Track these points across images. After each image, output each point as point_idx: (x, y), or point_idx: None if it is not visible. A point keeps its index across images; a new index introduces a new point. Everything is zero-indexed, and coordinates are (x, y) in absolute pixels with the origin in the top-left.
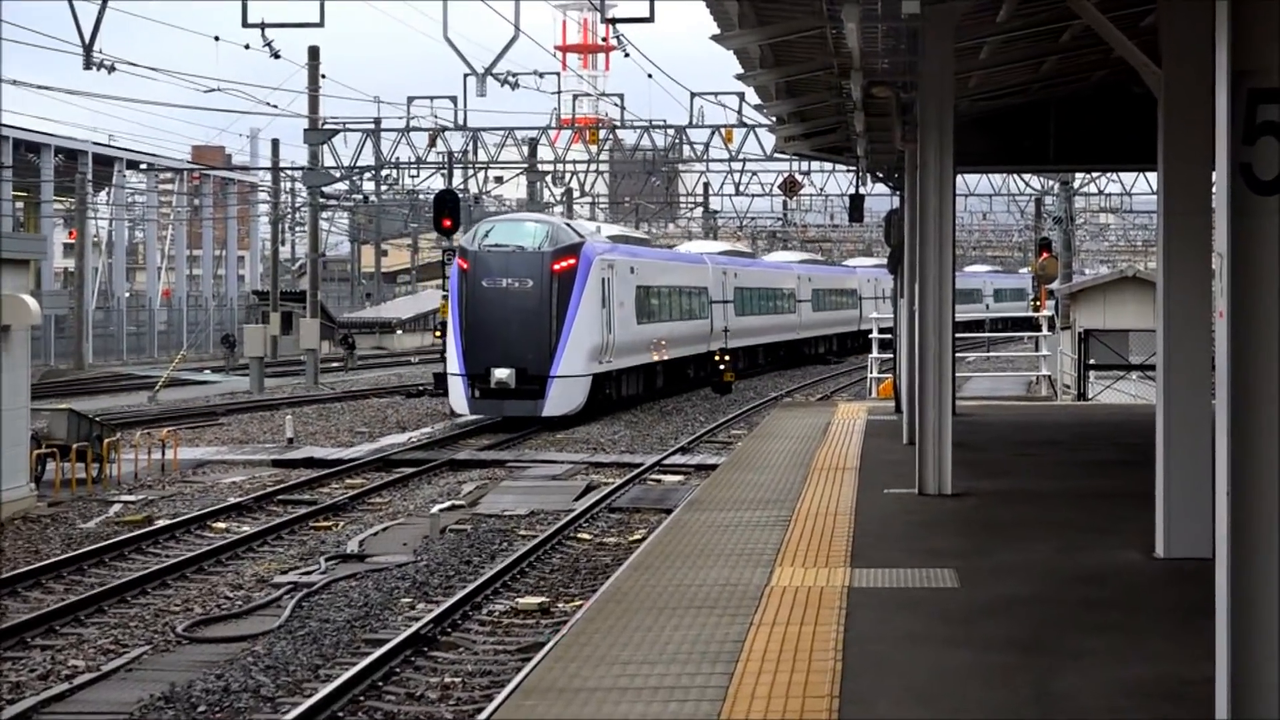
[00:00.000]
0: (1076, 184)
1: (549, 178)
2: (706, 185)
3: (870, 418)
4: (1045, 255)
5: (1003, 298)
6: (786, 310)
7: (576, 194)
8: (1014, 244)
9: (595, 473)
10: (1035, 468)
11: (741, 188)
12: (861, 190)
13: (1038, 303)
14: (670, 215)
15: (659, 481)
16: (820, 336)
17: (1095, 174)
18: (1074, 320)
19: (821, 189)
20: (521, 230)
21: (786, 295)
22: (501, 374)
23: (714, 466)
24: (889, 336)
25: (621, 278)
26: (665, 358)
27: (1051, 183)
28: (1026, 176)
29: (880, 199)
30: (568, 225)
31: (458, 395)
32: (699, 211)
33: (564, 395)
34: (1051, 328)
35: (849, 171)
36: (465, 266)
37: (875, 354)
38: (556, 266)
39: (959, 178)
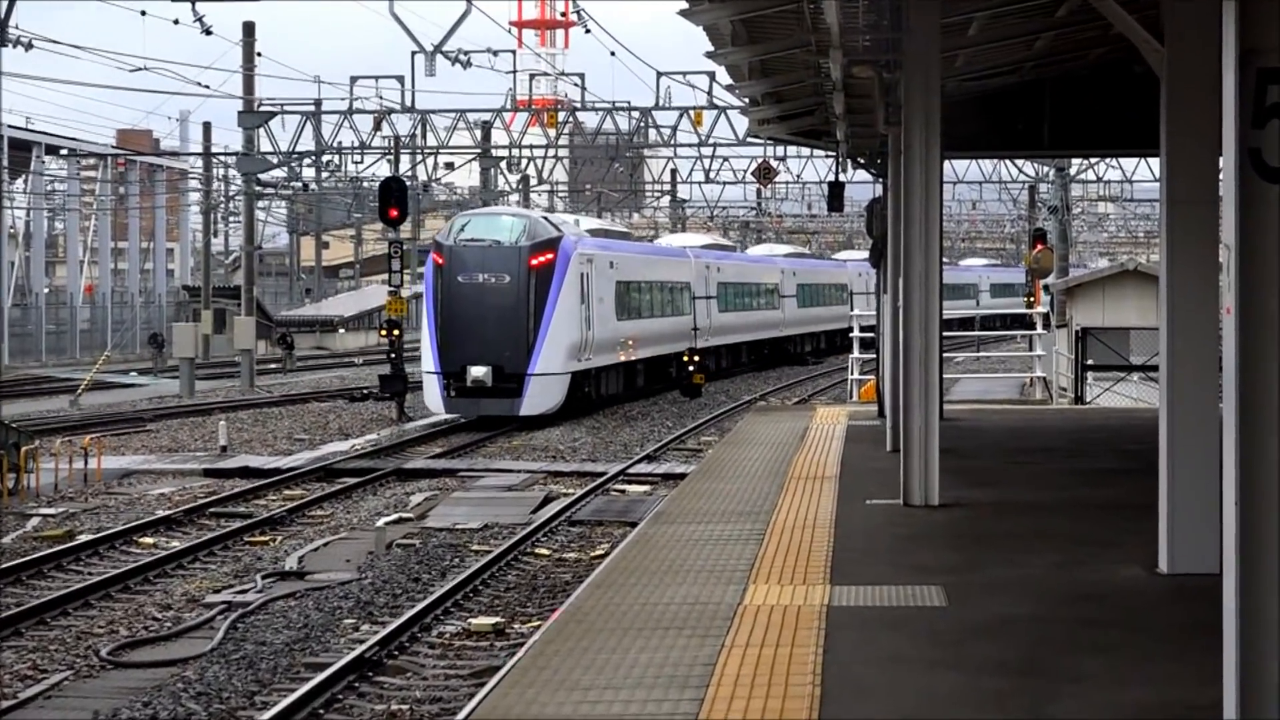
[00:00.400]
0: (1073, 170)
1: (504, 164)
2: (674, 172)
3: (851, 423)
4: (1039, 247)
5: (1001, 293)
6: (769, 306)
7: (534, 181)
8: (1006, 235)
9: (554, 483)
10: (1029, 476)
11: (712, 175)
12: (841, 178)
13: (1031, 298)
14: (635, 204)
15: (623, 492)
16: (807, 334)
17: (1093, 160)
18: (1070, 317)
19: (798, 176)
20: (498, 224)
21: (769, 290)
22: (478, 372)
23: (682, 476)
24: (872, 335)
25: (601, 273)
26: (646, 355)
27: (1046, 169)
28: (1019, 162)
29: (862, 187)
30: (545, 219)
31: (433, 394)
32: (666, 200)
33: (542, 394)
34: (1046, 325)
35: (828, 157)
36: (440, 261)
37: (856, 354)
38: (534, 261)
39: (947, 164)
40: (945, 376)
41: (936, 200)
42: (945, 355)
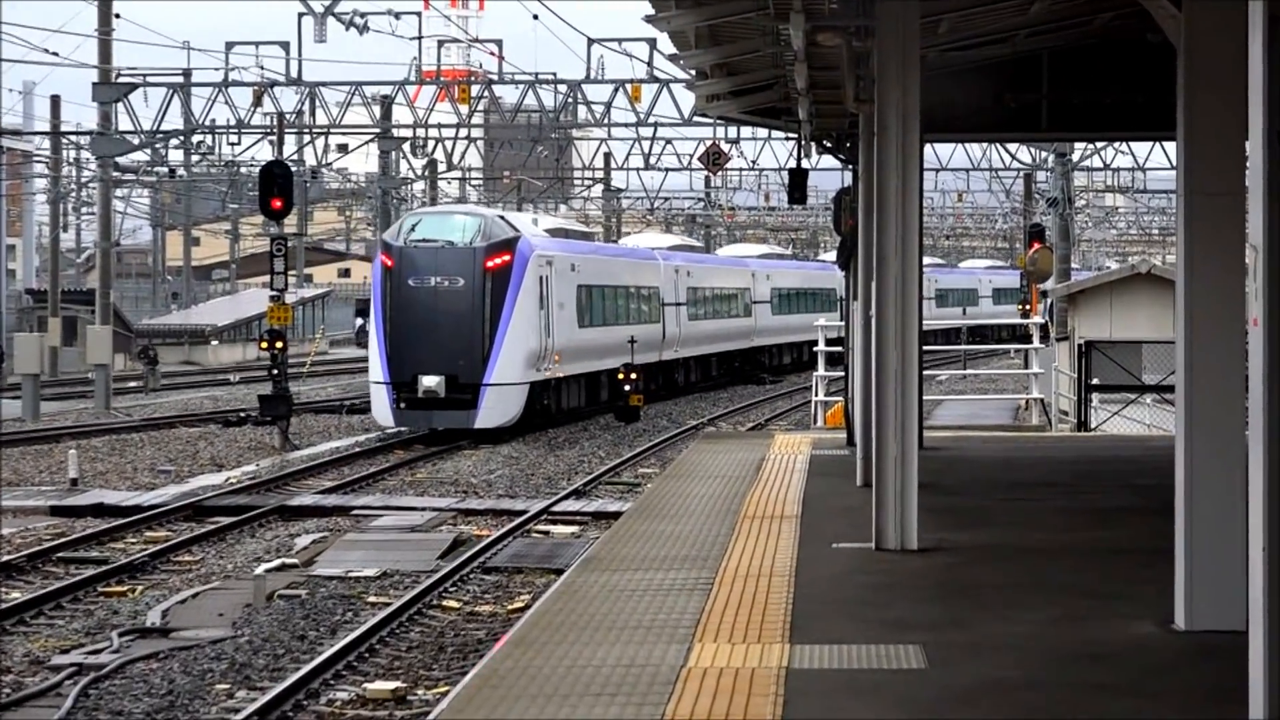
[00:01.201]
0: (1076, 157)
1: (407, 146)
2: (608, 157)
3: (815, 452)
4: (1037, 246)
5: (1005, 299)
6: (740, 313)
7: (442, 166)
8: (997, 232)
9: (466, 522)
10: (1024, 516)
11: (652, 160)
12: (804, 164)
13: (1027, 307)
14: (561, 193)
15: (546, 534)
16: (786, 344)
17: (1099, 144)
18: (1072, 329)
19: (754, 162)
20: (451, 224)
21: (739, 296)
22: (430, 382)
23: (617, 514)
24: (839, 350)
25: (561, 276)
26: (612, 366)
27: (1045, 155)
28: (1013, 147)
29: (828, 175)
30: (502, 218)
31: (381, 406)
32: (598, 189)
33: (498, 405)
34: (1045, 338)
35: (788, 140)
36: (389, 264)
37: (821, 371)
38: (490, 264)
39: (928, 148)
40: (926, 398)
41: (915, 190)
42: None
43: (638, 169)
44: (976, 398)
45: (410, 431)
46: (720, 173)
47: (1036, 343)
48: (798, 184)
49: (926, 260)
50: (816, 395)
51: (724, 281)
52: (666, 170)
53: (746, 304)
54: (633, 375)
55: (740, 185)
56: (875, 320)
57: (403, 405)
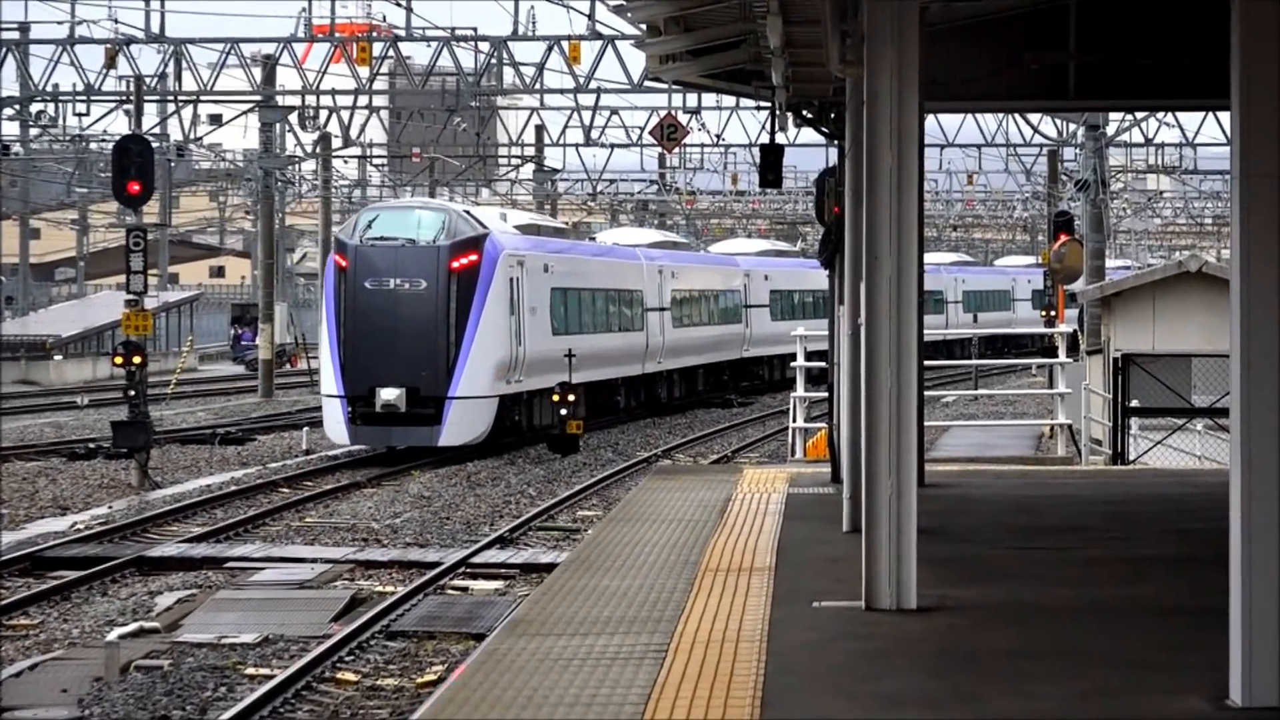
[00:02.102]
0: (1111, 130)
1: (294, 116)
2: (540, 130)
3: (793, 490)
4: (1063, 239)
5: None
6: (731, 319)
7: (338, 142)
8: (1015, 221)
9: (366, 576)
10: (1046, 568)
11: (595, 134)
12: (779, 139)
13: (1052, 313)
14: (484, 175)
15: (464, 590)
16: (787, 355)
17: (1139, 115)
18: (1107, 339)
19: (718, 137)
20: (411, 220)
21: (731, 299)
22: (388, 395)
23: (551, 567)
24: (823, 365)
25: (533, 277)
26: (589, 379)
27: (1073, 128)
28: (1035, 118)
29: (808, 153)
30: (468, 214)
31: (334, 422)
32: (529, 170)
33: (464, 421)
34: (1073, 350)
35: (759, 110)
36: (344, 264)
37: (800, 391)
38: (455, 264)
39: (930, 120)
40: (928, 424)
41: (914, 171)
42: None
43: (577, 145)
44: (990, 424)
45: (368, 450)
46: (677, 150)
47: (1063, 356)
48: (771, 164)
49: (949, 258)
50: (794, 421)
51: (713, 283)
52: (612, 147)
53: (738, 308)
54: (570, 396)
55: (702, 165)
56: (865, 330)
57: (358, 421)
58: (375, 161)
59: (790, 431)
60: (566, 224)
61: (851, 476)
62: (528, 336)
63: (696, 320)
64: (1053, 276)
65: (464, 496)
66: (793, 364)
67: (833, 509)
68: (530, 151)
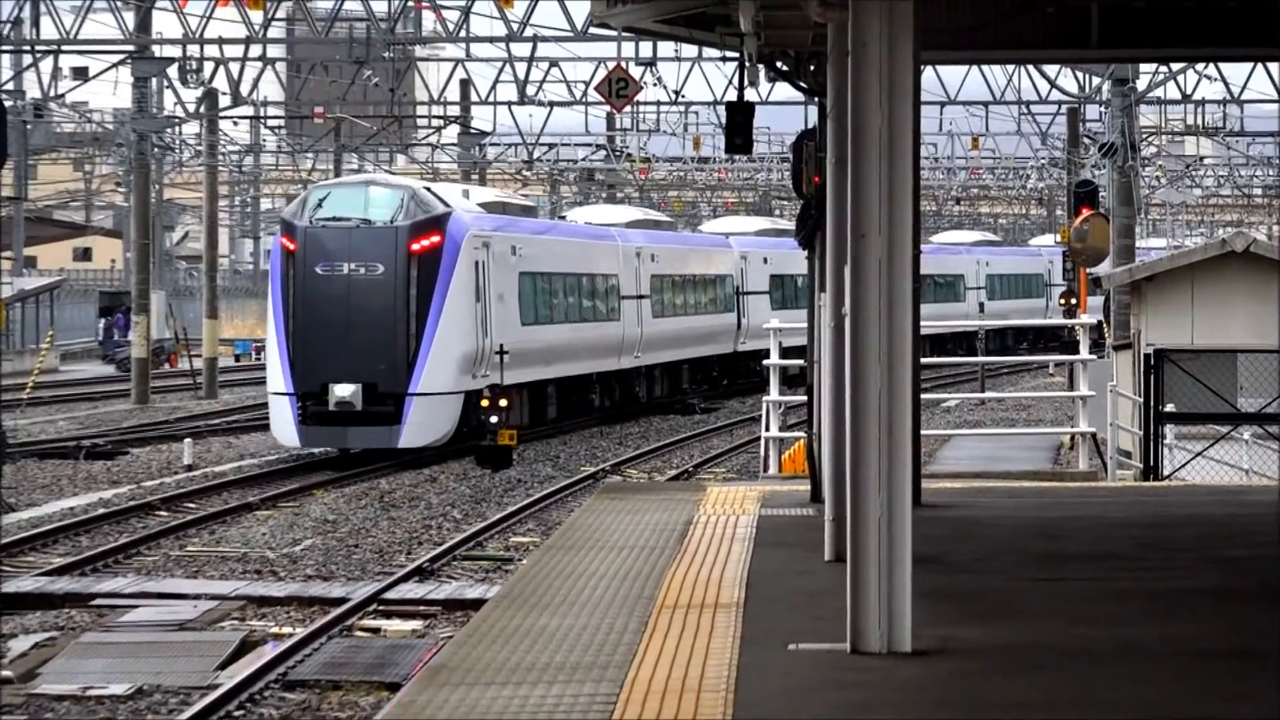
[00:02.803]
0: (1142, 85)
1: (174, 70)
2: (466, 86)
3: (765, 512)
4: (1086, 213)
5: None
6: (720, 308)
7: (225, 100)
8: (1029, 193)
9: (259, 615)
10: (1065, 602)
11: (531, 91)
12: (748, 95)
13: (1072, 299)
14: (399, 138)
15: (376, 632)
16: (788, 348)
17: (1175, 67)
18: (1138, 332)
19: (677, 94)
20: (366, 198)
21: (721, 286)
22: (343, 392)
23: (478, 603)
24: (801, 364)
25: (501, 261)
26: (561, 374)
27: (1098, 82)
28: (1052, 71)
29: (784, 112)
30: (428, 190)
31: (283, 423)
32: (452, 133)
33: (427, 420)
34: (1097, 346)
35: (725, 62)
36: (291, 247)
37: (774, 395)
38: (415, 246)
39: (927, 72)
40: (927, 433)
41: (908, 134)
42: (928, 397)
43: (509, 103)
44: (999, 433)
45: (323, 453)
46: (628, 109)
47: (1085, 353)
48: (739, 125)
49: (972, 236)
50: (767, 429)
51: (701, 266)
52: (551, 105)
53: (730, 296)
54: (501, 401)
55: (658, 127)
56: (850, 321)
57: (310, 420)
58: (270, 123)
59: (763, 442)
60: (534, 202)
61: (835, 495)
62: (495, 327)
63: (680, 309)
64: (1073, 258)
65: (375, 520)
66: (767, 361)
67: (812, 534)
68: (454, 111)
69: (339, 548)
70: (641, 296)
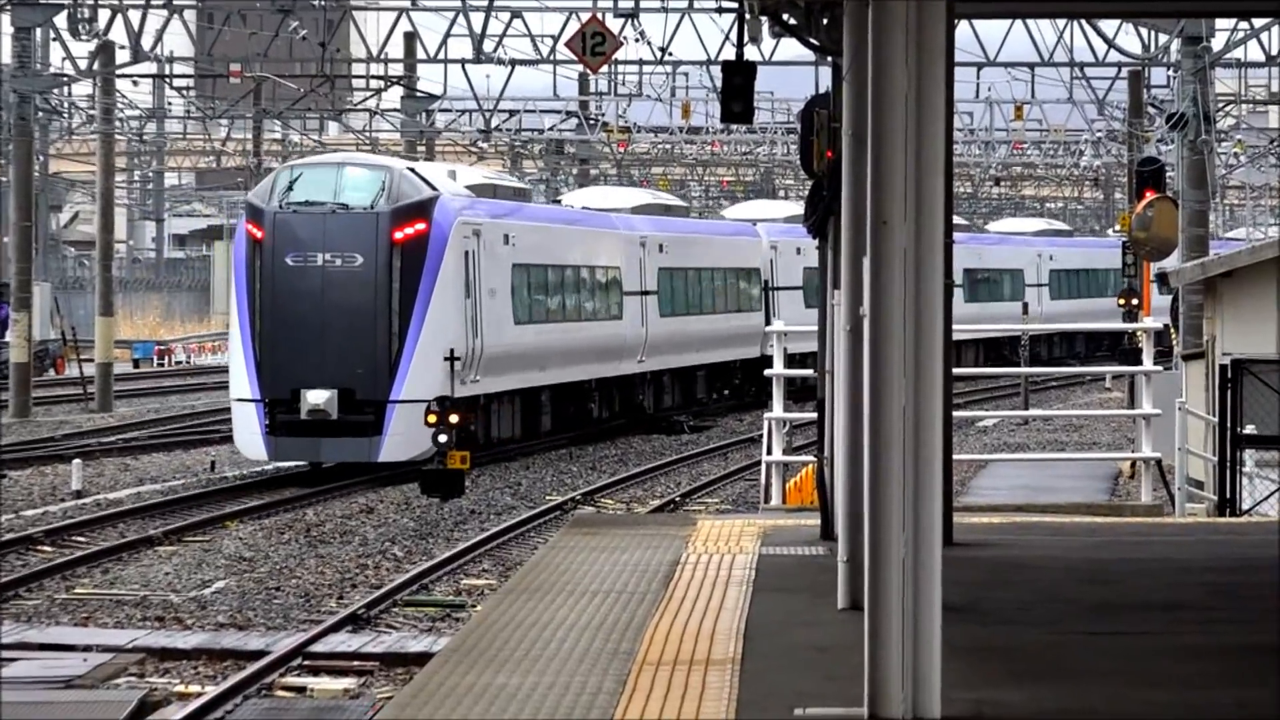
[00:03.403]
0: (1217, 44)
1: (62, 19)
2: (412, 40)
3: (767, 551)
4: (1150, 197)
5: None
6: (747, 306)
7: (124, 55)
8: (1081, 173)
9: (161, 670)
10: (1124, 661)
11: (489, 46)
12: (748, 54)
13: (1133, 300)
14: (331, 102)
15: (302, 691)
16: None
17: (1257, 23)
18: (1212, 339)
19: (663, 51)
20: (343, 179)
21: (747, 281)
22: (316, 398)
23: (425, 658)
24: (810, 375)
25: (492, 252)
26: (558, 380)
27: (1165, 40)
28: (1109, 28)
29: (791, 75)
30: (412, 171)
31: (249, 432)
32: (395, 95)
33: (410, 430)
34: (1163, 354)
35: (720, 13)
36: (258, 235)
37: (778, 411)
38: (399, 234)
39: (962, 27)
40: (959, 458)
41: (939, 102)
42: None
43: (463, 61)
44: (1046, 457)
45: (294, 468)
46: (605, 69)
47: (1149, 363)
48: (738, 89)
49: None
50: (769, 453)
51: (718, 258)
52: (513, 64)
53: (757, 292)
54: (451, 417)
55: (640, 91)
56: (868, 324)
57: (279, 430)
58: (177, 84)
59: (764, 467)
60: (527, 184)
61: (850, 531)
62: (486, 326)
63: (693, 307)
64: (1134, 250)
65: (301, 557)
66: (769, 371)
67: (823, 577)
68: (397, 71)
69: (257, 590)
70: (645, 293)
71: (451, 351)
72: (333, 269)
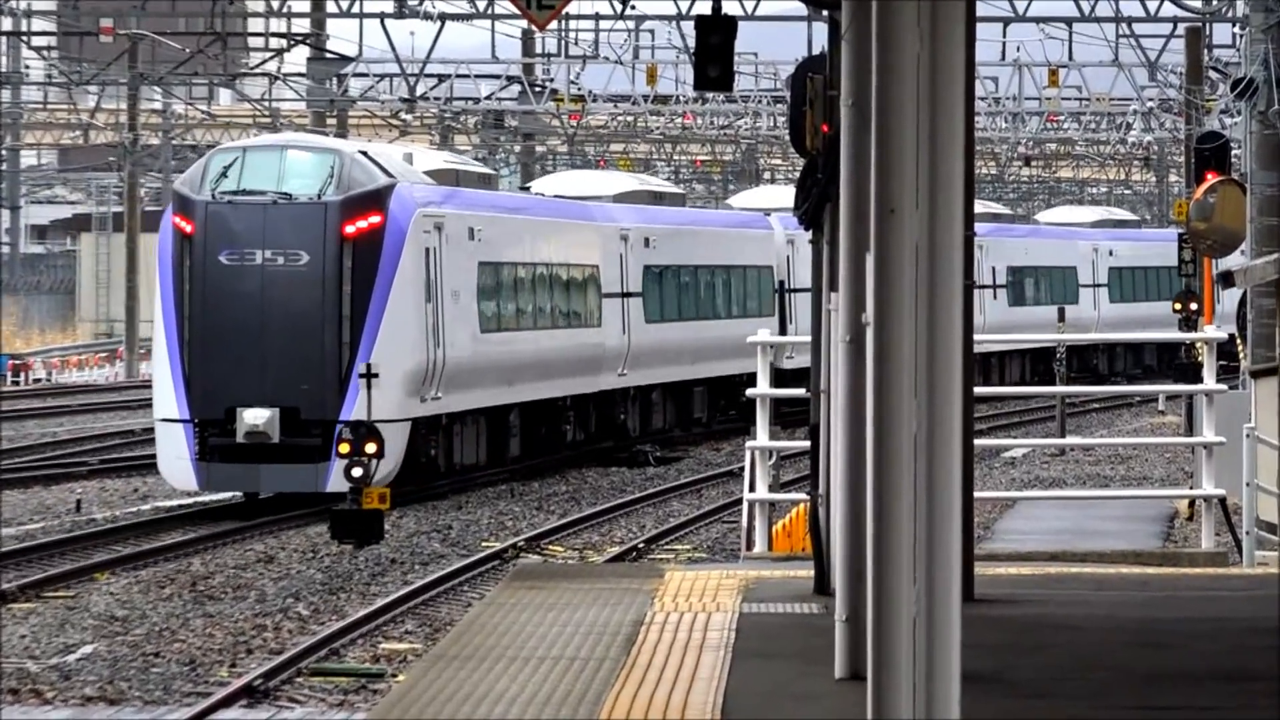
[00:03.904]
0: None
1: None
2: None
3: (750, 608)
4: (1212, 180)
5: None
6: (755, 310)
7: None
8: (1130, 149)
9: None
10: None
11: (413, 2)
12: (726, 6)
13: (1192, 304)
14: (223, 68)
15: None
16: None
17: None
18: None
19: (624, 3)
20: (286, 165)
21: (752, 281)
22: (255, 419)
23: None
24: (802, 395)
25: (456, 247)
26: (527, 398)
27: None
28: None
29: (779, 34)
30: (363, 155)
31: (174, 458)
32: (301, 55)
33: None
34: (1228, 370)
35: None
36: (187, 229)
37: (763, 440)
38: (350, 229)
39: None
40: (981, 495)
41: (958, 65)
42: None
43: (382, 16)
44: (1086, 494)
45: (232, 499)
46: (554, 25)
47: (1210, 381)
48: (715, 49)
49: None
50: (751, 490)
51: (718, 255)
52: (442, 19)
53: (767, 294)
54: (368, 445)
55: (596, 52)
56: (872, 334)
57: (212, 455)
58: (36, 43)
59: (745, 507)
60: (491, 169)
61: (849, 585)
62: (448, 334)
63: (687, 312)
64: (1193, 243)
65: (186, 617)
66: (752, 391)
67: (817, 640)
68: (303, 27)
69: (132, 656)
70: (627, 295)
71: (369, 366)
72: (274, 268)
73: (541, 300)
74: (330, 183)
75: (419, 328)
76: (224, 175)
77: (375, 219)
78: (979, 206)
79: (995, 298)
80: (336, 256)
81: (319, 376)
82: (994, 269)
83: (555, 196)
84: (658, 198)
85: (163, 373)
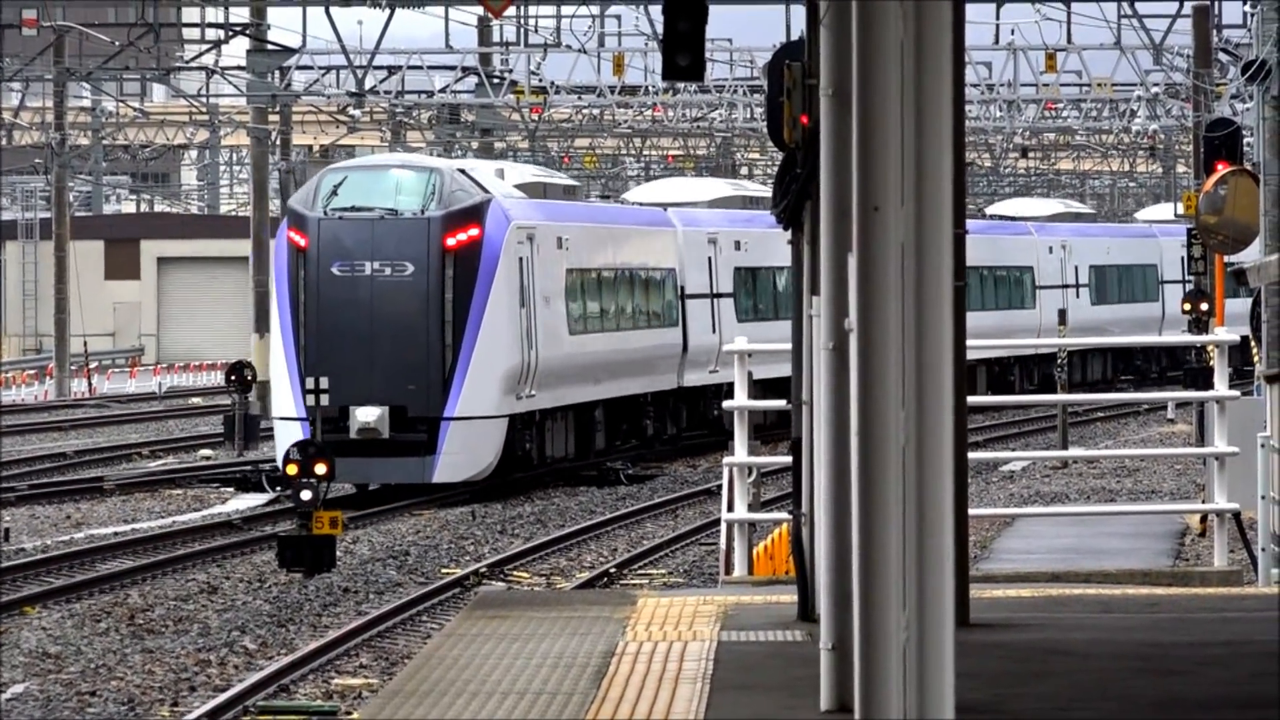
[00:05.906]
0: None
1: None
2: None
3: (728, 636)
4: (1222, 170)
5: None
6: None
7: None
8: (1134, 139)
9: None
10: None
11: None
12: None
13: (1202, 304)
14: (156, 61)
15: None
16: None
17: None
18: None
19: None
20: (390, 182)
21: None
22: (367, 417)
23: None
24: (783, 406)
25: (546, 256)
26: (609, 395)
27: None
28: None
29: (752, 17)
30: (461, 172)
31: None
32: (240, 47)
33: (466, 449)
34: (1243, 375)
35: None
36: (302, 243)
37: (741, 455)
38: (450, 241)
39: None
40: (976, 512)
41: (945, 49)
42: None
43: (326, 3)
44: (1089, 510)
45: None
46: (512, 11)
47: (1222, 387)
48: (685, 37)
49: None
50: (731, 509)
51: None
52: (392, 7)
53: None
54: (318, 466)
55: (559, 40)
56: (856, 341)
57: None
58: None
59: (723, 529)
60: (575, 182)
61: (835, 611)
62: (541, 337)
63: (776, 310)
64: (1203, 239)
65: (124, 653)
66: (729, 404)
67: (801, 670)
68: (242, 16)
69: (66, 696)
70: (720, 295)
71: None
72: (382, 278)
73: (625, 303)
74: (432, 199)
75: (514, 331)
76: (335, 193)
77: (474, 231)
78: (1059, 207)
79: (1078, 296)
80: (439, 267)
81: (424, 377)
82: (1076, 268)
83: (641, 205)
84: (747, 202)
85: (280, 375)
